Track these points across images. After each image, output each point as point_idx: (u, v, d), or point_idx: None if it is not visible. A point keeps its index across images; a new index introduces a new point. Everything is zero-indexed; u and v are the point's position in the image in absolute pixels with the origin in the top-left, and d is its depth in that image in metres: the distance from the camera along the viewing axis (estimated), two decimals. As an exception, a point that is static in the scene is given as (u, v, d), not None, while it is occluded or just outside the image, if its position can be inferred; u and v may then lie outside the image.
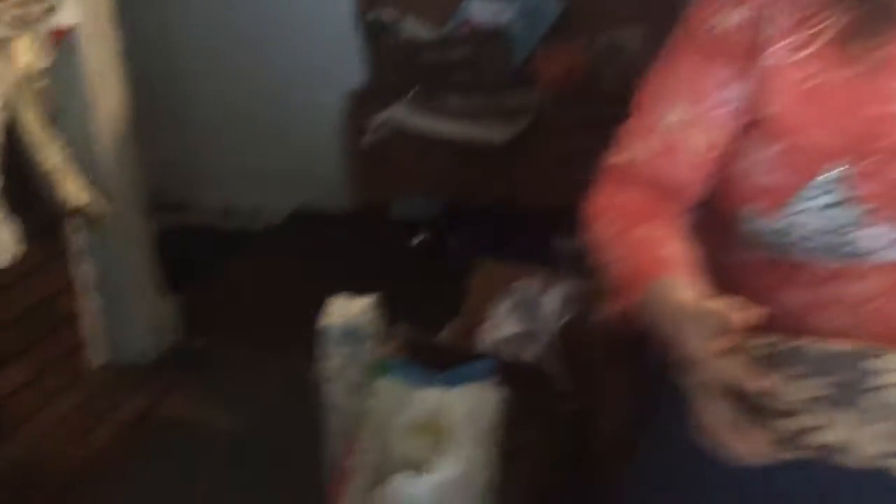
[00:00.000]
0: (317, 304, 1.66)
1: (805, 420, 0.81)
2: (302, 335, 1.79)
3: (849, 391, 0.81)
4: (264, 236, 3.21)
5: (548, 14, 2.81)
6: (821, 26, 0.89)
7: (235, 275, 2.92)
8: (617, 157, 1.03)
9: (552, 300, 1.44)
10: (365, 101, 2.93)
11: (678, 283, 0.87)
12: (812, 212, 0.90)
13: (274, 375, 2.27)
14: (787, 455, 0.81)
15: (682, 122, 0.97)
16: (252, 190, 3.33)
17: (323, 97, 3.07)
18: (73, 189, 2.06)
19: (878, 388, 0.81)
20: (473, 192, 2.85)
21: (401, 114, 2.71)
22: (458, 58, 2.79)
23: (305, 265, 2.94)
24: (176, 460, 2.01)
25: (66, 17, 2.07)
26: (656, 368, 1.01)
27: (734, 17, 0.94)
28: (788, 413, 0.82)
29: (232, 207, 3.37)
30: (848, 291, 0.92)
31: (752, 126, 0.95)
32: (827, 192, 0.90)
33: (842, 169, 0.89)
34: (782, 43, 0.91)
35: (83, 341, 2.31)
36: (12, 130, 1.94)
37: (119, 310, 2.35)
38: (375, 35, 2.98)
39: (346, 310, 1.57)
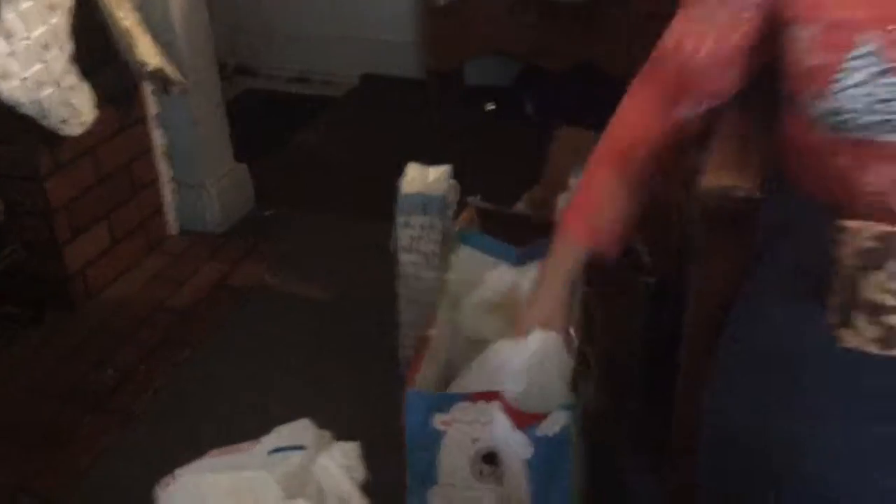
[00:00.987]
0: (389, 172, 1.63)
1: None
2: (376, 202, 1.77)
3: None
4: (337, 102, 3.15)
5: None
6: None
7: (309, 141, 2.89)
8: (657, 48, 1.13)
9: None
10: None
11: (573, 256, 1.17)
12: (855, 88, 0.91)
13: (348, 242, 2.26)
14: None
15: (712, 16, 1.06)
16: (325, 55, 3.26)
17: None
18: (147, 51, 2.02)
19: None
20: (551, 55, 2.74)
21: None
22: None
23: (378, 132, 2.90)
24: (255, 326, 2.04)
25: None
26: (756, 250, 1.05)
27: None
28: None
29: (305, 72, 3.32)
30: None
31: (789, 13, 0.98)
32: (864, 67, 0.90)
33: (873, 41, 0.89)
34: None
35: (159, 208, 2.33)
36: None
37: (194, 176, 2.35)
38: None
39: (422, 178, 1.53)
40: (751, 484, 0.94)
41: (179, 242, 2.36)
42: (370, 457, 1.14)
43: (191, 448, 1.20)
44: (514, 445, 1.12)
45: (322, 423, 1.18)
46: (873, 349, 0.89)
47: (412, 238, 1.50)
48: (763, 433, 0.93)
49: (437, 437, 1.14)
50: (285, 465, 1.10)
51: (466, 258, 1.39)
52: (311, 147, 2.85)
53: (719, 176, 1.07)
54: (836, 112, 0.93)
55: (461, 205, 1.55)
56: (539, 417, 1.11)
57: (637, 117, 1.15)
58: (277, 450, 1.13)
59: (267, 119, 3.06)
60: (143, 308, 2.11)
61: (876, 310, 0.88)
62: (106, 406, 1.83)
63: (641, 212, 1.18)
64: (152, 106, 2.25)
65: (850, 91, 0.91)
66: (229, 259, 2.28)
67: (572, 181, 1.35)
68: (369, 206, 2.00)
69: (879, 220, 0.89)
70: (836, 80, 0.92)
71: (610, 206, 1.17)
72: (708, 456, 1.02)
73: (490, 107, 2.96)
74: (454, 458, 1.14)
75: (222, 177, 2.41)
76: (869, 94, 0.90)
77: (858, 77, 0.90)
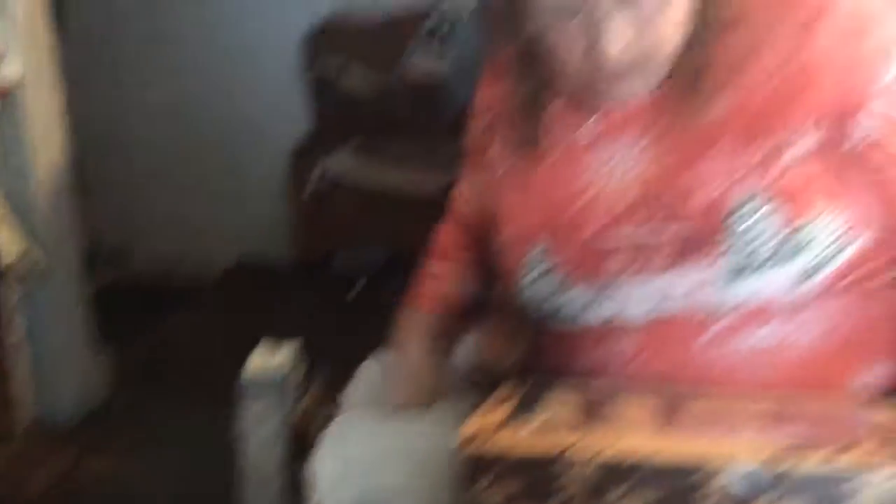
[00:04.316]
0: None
1: None
2: (233, 390, 1.77)
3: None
4: (206, 290, 3.18)
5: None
6: (515, 137, 1.09)
7: (175, 329, 2.88)
8: (455, 196, 1.29)
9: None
10: (308, 153, 2.95)
11: (421, 324, 1.19)
12: (532, 284, 1.04)
13: (202, 431, 2.23)
14: None
15: (465, 199, 1.25)
16: (197, 241, 3.31)
17: (266, 149, 3.08)
18: (8, 243, 2.03)
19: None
20: (415, 243, 2.85)
21: (342, 164, 2.73)
22: (399, 107, 2.82)
23: (245, 319, 2.91)
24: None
25: (10, 71, 2.08)
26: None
27: (478, 125, 1.17)
28: None
29: (176, 261, 3.35)
30: (614, 353, 1.02)
31: (494, 220, 1.13)
32: (536, 266, 1.04)
33: (543, 244, 1.04)
34: (496, 148, 1.12)
35: (13, 398, 2.26)
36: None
37: (51, 367, 2.31)
38: (319, 87, 3.01)
39: (268, 360, 1.55)
40: None
41: (33, 432, 2.29)
42: None
43: None
44: None
45: None
46: None
47: (255, 418, 1.50)
48: None
49: None
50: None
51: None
52: (177, 335, 2.84)
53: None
54: (526, 305, 1.06)
55: (308, 385, 1.57)
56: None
57: (446, 241, 1.28)
58: None
59: (136, 307, 3.05)
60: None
61: None
62: None
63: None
64: (11, 295, 2.23)
65: (531, 287, 1.04)
66: (80, 450, 2.22)
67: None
68: (226, 393, 1.99)
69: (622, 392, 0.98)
70: (521, 278, 1.05)
71: (453, 274, 1.23)
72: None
73: (356, 293, 3.04)
74: None
75: (82, 368, 2.37)
76: (542, 290, 1.03)
77: (532, 275, 1.04)
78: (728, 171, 0.96)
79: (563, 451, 0.80)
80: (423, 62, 2.87)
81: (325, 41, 3.02)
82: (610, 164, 1.03)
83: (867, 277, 0.98)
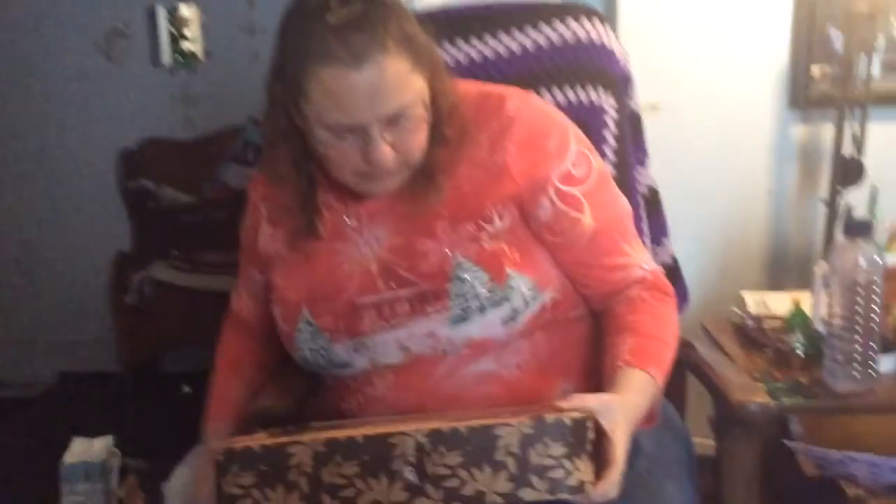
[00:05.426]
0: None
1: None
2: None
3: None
4: (33, 403, 3.22)
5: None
6: (286, 227, 1.33)
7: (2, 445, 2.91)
8: (231, 304, 1.51)
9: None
10: (129, 263, 3.10)
11: (212, 432, 1.38)
12: (306, 342, 1.30)
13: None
14: None
15: (246, 296, 1.46)
16: (20, 357, 3.36)
17: (88, 262, 3.21)
18: None
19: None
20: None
21: (160, 272, 2.90)
22: (215, 219, 3.03)
23: (75, 428, 2.97)
24: None
25: None
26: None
27: (249, 226, 1.40)
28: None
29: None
30: (376, 392, 1.30)
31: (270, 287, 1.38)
32: (306, 329, 1.30)
33: (309, 311, 1.29)
34: (269, 235, 1.36)
35: None
36: None
37: None
38: (137, 201, 3.19)
39: (87, 449, 1.71)
40: None
41: None
42: None
43: None
44: None
45: None
46: None
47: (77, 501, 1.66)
48: None
49: None
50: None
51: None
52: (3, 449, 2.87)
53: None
54: (303, 359, 1.32)
55: (125, 471, 1.74)
56: None
57: (228, 348, 1.51)
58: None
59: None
60: None
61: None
62: None
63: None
64: None
65: (304, 344, 1.29)
66: None
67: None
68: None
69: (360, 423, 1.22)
70: (295, 339, 1.30)
71: (227, 383, 1.45)
72: None
73: (186, 390, 3.16)
74: None
75: None
76: (313, 346, 1.29)
77: (305, 336, 1.29)
78: (447, 244, 1.24)
79: (295, 441, 1.08)
80: (235, 179, 3.11)
81: (138, 161, 3.23)
82: (360, 244, 1.28)
83: (556, 318, 1.29)
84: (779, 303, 1.88)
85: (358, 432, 1.07)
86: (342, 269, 1.29)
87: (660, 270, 1.33)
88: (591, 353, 1.32)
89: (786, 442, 1.77)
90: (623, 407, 1.12)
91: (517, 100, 1.29)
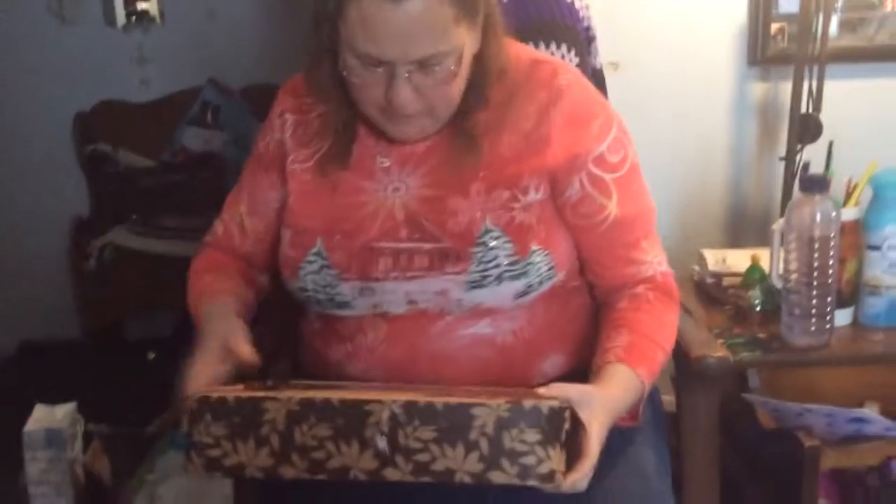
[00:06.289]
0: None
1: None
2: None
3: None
4: (-5, 368, 3.19)
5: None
6: (313, 149, 1.31)
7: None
8: (209, 236, 1.44)
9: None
10: (88, 229, 3.06)
11: (222, 308, 1.27)
12: (312, 274, 1.26)
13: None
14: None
15: (246, 212, 1.38)
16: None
17: (46, 229, 3.16)
18: None
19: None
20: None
21: (120, 237, 2.87)
22: (174, 182, 3.00)
23: (37, 397, 2.95)
24: None
25: None
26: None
27: (272, 138, 1.34)
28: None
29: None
30: (367, 341, 1.27)
31: (282, 220, 1.35)
32: (316, 261, 1.26)
33: (322, 243, 1.26)
34: (293, 157, 1.31)
35: None
36: None
37: None
38: (95, 166, 3.15)
39: (49, 416, 1.70)
40: None
41: None
42: None
43: None
44: None
45: None
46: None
47: (41, 471, 1.65)
48: None
49: None
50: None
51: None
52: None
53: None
54: (303, 290, 1.27)
55: (88, 436, 1.73)
56: None
57: (213, 261, 1.40)
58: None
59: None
60: None
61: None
62: None
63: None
64: None
65: (308, 277, 1.25)
66: None
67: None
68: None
69: (339, 386, 1.20)
70: (301, 268, 1.26)
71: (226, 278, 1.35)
72: None
73: (151, 356, 3.15)
74: None
75: None
76: (319, 280, 1.25)
77: (312, 268, 1.25)
78: (480, 207, 1.22)
79: (271, 397, 1.07)
80: (194, 141, 3.08)
81: (94, 124, 3.18)
82: (389, 187, 1.26)
83: (557, 291, 1.29)
84: (738, 260, 1.91)
85: (335, 395, 1.07)
86: (366, 209, 1.26)
87: (671, 273, 1.33)
88: (586, 326, 1.32)
89: (744, 395, 1.81)
90: (604, 400, 1.12)
91: (570, 74, 1.28)
